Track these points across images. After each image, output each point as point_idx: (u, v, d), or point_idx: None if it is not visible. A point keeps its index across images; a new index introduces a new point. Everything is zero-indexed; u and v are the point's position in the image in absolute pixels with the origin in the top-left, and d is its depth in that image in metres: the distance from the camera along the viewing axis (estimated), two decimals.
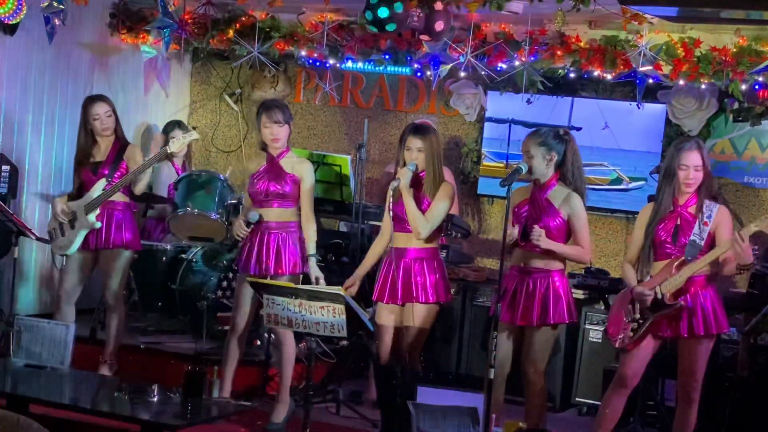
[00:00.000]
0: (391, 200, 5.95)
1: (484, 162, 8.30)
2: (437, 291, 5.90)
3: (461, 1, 7.12)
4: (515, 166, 5.66)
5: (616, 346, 5.66)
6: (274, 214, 6.21)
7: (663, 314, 5.47)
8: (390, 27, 7.08)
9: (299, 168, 6.22)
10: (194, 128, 7.70)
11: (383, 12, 6.98)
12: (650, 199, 7.24)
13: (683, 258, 5.44)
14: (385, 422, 5.99)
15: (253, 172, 6.28)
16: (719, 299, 5.56)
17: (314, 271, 6.17)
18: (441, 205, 5.89)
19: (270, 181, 6.19)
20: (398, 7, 6.98)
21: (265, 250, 6.17)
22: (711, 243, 5.46)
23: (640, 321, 5.51)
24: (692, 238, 5.44)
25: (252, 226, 6.19)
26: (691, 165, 5.45)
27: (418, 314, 5.90)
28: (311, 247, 6.19)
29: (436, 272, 5.92)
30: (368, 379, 7.00)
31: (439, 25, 7.13)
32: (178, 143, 6.57)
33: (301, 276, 6.24)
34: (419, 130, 5.96)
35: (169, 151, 6.55)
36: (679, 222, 5.51)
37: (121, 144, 6.78)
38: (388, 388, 5.95)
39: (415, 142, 5.88)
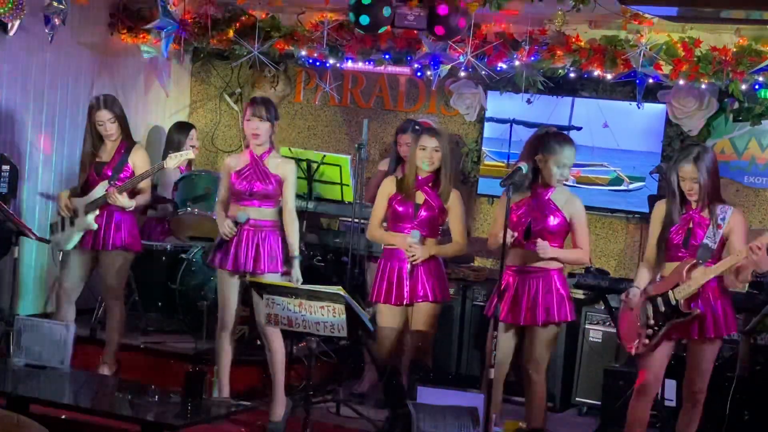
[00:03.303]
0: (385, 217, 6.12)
1: (485, 161, 8.29)
2: (442, 290, 6.06)
3: (461, 1, 7.12)
4: (516, 165, 5.66)
5: (632, 353, 5.60)
6: (255, 212, 6.21)
7: (679, 322, 5.44)
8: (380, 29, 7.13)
9: (283, 168, 6.23)
10: (193, 146, 7.79)
11: (364, 20, 6.98)
12: (650, 198, 7.26)
13: (694, 261, 5.41)
14: (392, 423, 6.01)
15: (236, 169, 6.25)
16: (730, 302, 5.53)
17: (296, 273, 6.10)
18: (463, 217, 6.13)
19: (254, 180, 6.19)
20: (387, 11, 6.97)
21: (244, 247, 6.16)
22: (723, 246, 5.44)
23: (656, 328, 5.47)
24: (705, 241, 5.41)
25: (239, 225, 6.20)
26: (688, 177, 5.44)
27: (427, 315, 5.98)
28: (295, 249, 6.18)
29: (437, 271, 6.06)
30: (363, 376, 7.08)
31: (461, 23, 7.07)
32: (175, 160, 6.62)
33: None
34: (432, 130, 6.13)
35: (165, 167, 6.59)
36: (691, 225, 5.48)
37: (127, 145, 6.79)
38: (393, 389, 5.97)
39: (431, 142, 6.00)
